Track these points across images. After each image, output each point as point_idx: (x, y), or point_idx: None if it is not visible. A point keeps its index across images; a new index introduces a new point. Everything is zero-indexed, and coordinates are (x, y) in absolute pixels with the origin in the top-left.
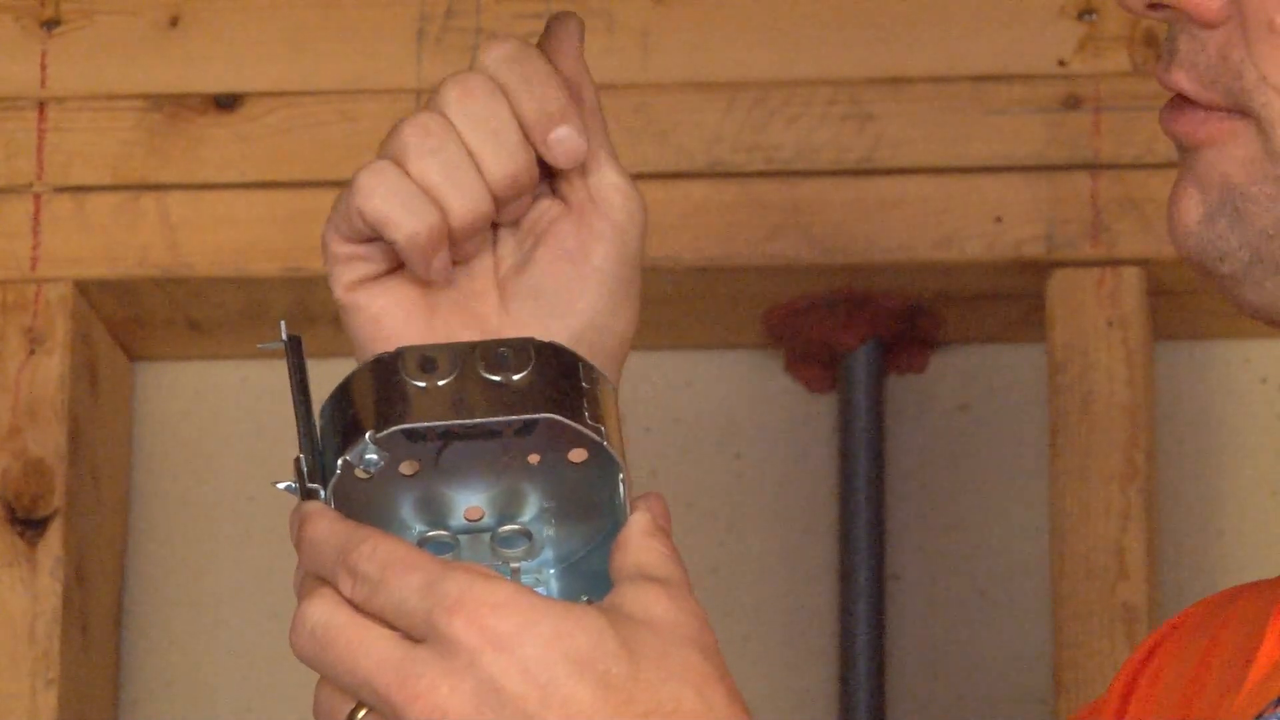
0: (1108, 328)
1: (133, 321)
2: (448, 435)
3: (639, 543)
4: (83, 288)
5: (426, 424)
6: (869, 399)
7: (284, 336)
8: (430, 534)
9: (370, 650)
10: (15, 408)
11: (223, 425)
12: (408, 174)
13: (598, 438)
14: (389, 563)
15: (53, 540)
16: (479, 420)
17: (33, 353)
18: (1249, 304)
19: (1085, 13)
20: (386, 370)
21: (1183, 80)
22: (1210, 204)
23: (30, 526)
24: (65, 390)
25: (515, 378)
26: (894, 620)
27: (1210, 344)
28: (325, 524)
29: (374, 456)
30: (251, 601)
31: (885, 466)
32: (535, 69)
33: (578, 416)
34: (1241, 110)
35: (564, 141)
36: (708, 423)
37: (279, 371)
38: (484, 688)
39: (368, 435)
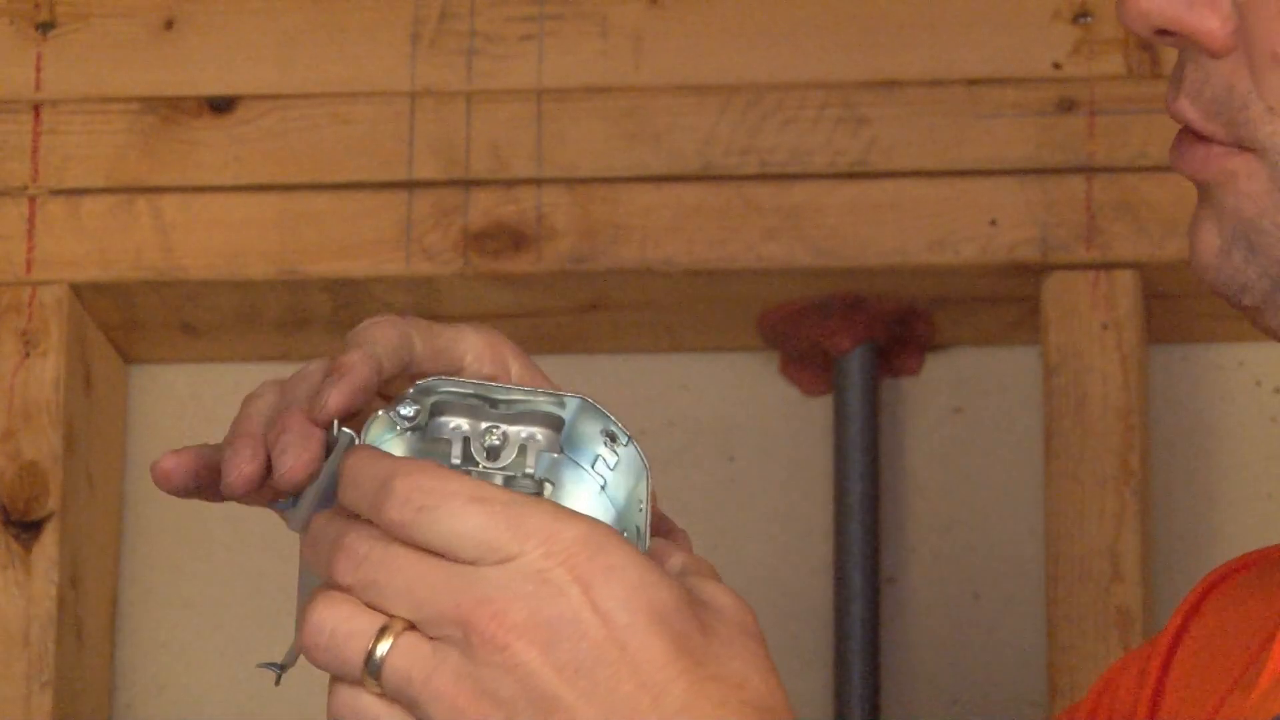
0: (1102, 330)
1: (127, 324)
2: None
3: (692, 555)
4: (77, 290)
5: (463, 380)
6: (863, 402)
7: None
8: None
9: (437, 568)
10: (10, 410)
11: (217, 428)
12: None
13: (628, 433)
14: (443, 492)
15: (48, 543)
16: (513, 387)
17: (27, 355)
18: (1274, 330)
19: (1080, 16)
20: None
21: (1187, 109)
22: (1225, 237)
23: (25, 529)
24: (60, 393)
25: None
26: (888, 623)
27: (1205, 347)
28: (371, 454)
29: (408, 411)
30: (245, 604)
31: (880, 469)
32: None
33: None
34: (1245, 143)
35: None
36: (702, 426)
37: (273, 374)
38: (563, 620)
39: (410, 390)
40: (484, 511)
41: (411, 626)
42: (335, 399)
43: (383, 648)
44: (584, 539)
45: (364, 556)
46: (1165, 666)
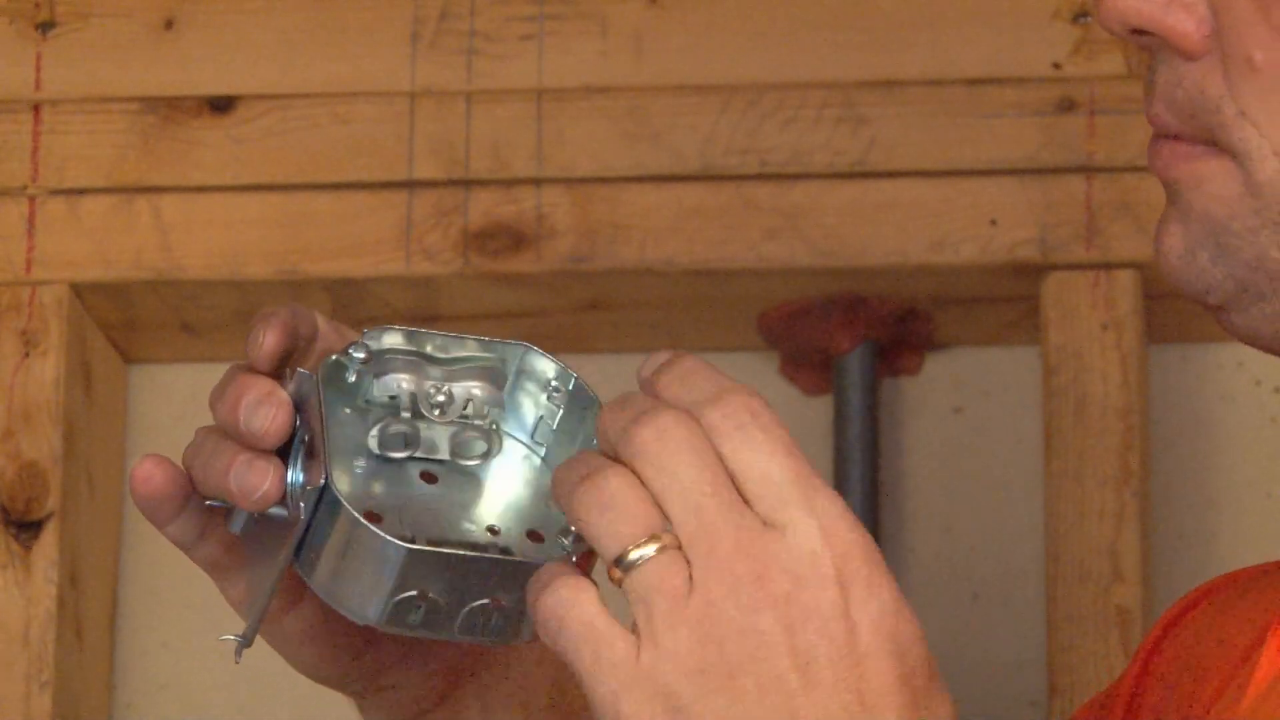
0: (1102, 330)
1: (127, 324)
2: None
3: None
4: (77, 290)
5: (412, 329)
6: (863, 402)
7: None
8: (392, 424)
9: (728, 492)
10: (10, 410)
11: None
12: None
13: (574, 373)
14: (769, 427)
15: (47, 543)
16: (461, 336)
17: (27, 355)
18: (1238, 330)
19: (1080, 15)
20: None
21: (1161, 112)
22: (1191, 239)
23: (25, 529)
24: (60, 393)
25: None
26: None
27: (1204, 347)
28: (704, 362)
29: (360, 354)
30: None
31: (879, 469)
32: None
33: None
34: (1218, 145)
35: None
36: None
37: None
38: (817, 613)
39: (362, 336)
40: (794, 466)
41: (679, 546)
42: (270, 337)
43: (649, 550)
44: (860, 545)
45: (671, 436)
46: (1131, 705)
